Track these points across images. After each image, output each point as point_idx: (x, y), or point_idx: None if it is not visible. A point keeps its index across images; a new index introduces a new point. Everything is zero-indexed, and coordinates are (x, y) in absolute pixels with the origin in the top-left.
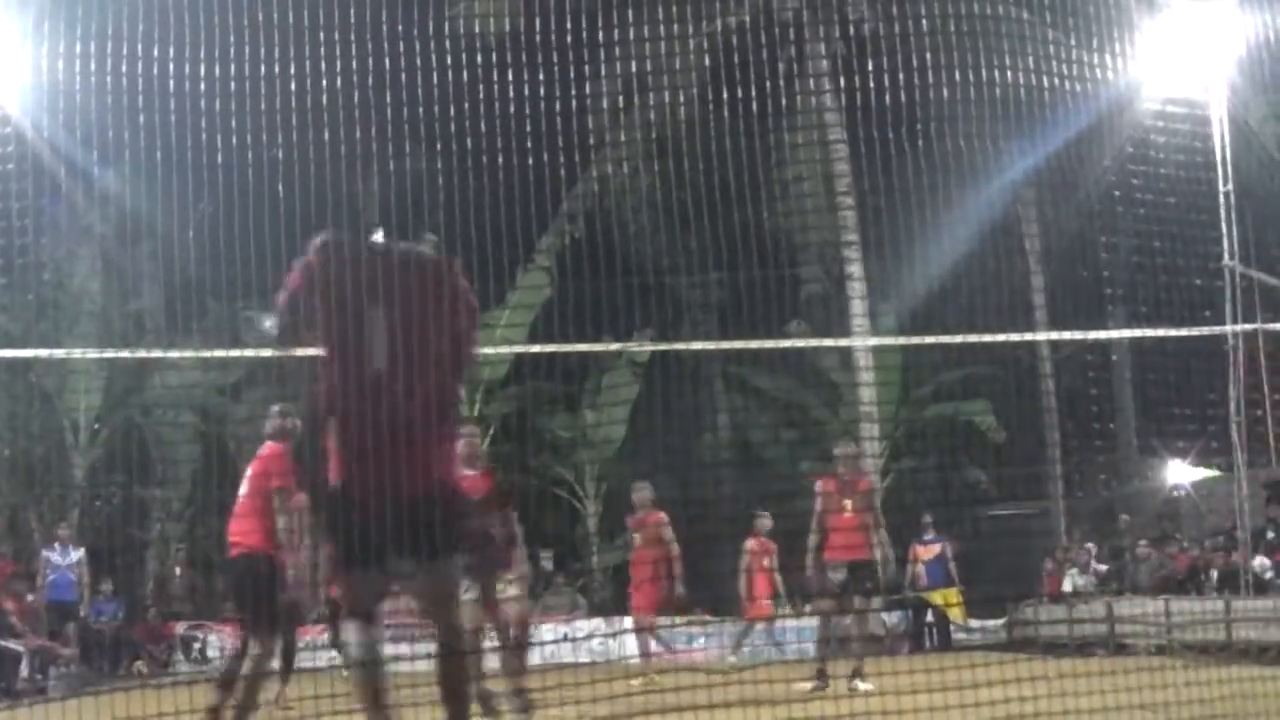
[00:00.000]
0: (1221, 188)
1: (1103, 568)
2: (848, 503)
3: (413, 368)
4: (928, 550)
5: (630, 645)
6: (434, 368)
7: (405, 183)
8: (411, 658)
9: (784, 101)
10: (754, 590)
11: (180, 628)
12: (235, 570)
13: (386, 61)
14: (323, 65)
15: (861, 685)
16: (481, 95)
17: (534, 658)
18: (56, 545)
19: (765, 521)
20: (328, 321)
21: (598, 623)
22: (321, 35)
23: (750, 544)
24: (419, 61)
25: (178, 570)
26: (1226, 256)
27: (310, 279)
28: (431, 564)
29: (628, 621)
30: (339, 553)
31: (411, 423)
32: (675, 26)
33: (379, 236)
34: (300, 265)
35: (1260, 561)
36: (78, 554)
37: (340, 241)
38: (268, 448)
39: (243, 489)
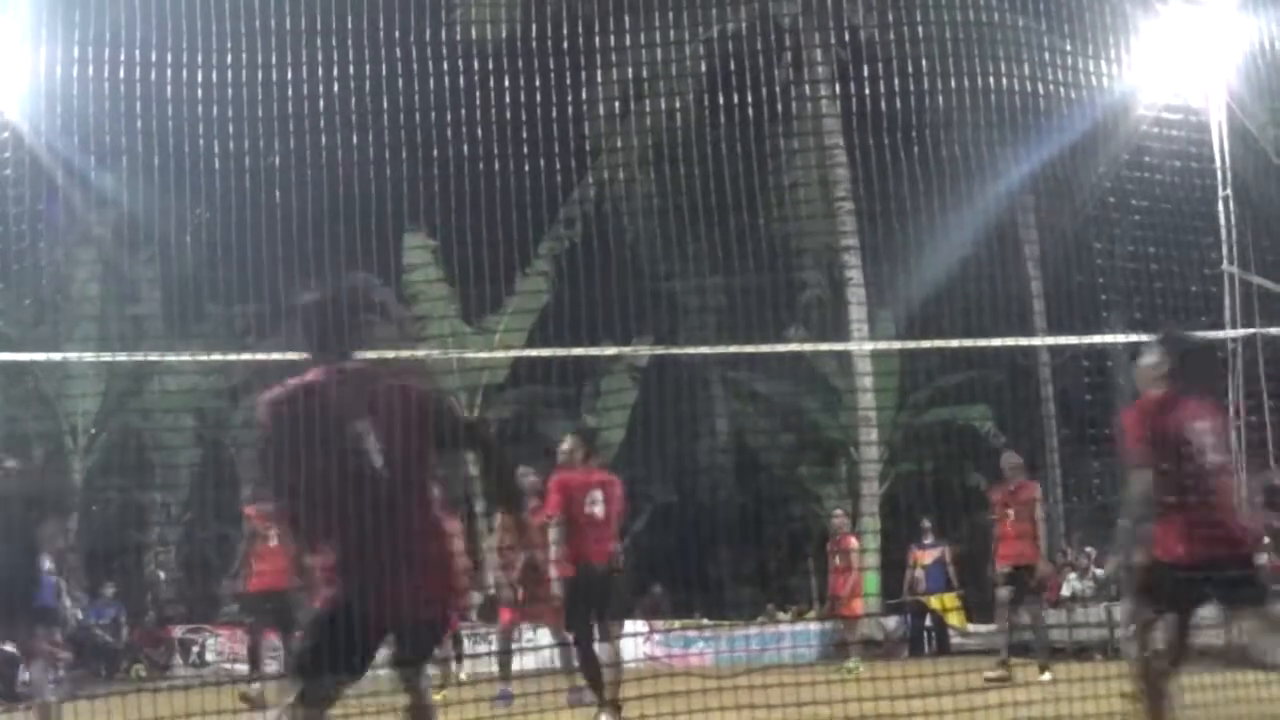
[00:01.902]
0: (1221, 192)
1: (1101, 572)
2: (1010, 511)
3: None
4: (927, 554)
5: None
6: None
7: (403, 188)
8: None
9: (780, 108)
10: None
11: (178, 631)
12: None
13: (384, 68)
14: (320, 71)
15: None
16: (478, 101)
17: (531, 661)
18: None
19: (838, 521)
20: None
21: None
22: (319, 41)
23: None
24: (415, 68)
25: (162, 575)
26: (1225, 261)
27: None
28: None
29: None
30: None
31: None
32: (673, 33)
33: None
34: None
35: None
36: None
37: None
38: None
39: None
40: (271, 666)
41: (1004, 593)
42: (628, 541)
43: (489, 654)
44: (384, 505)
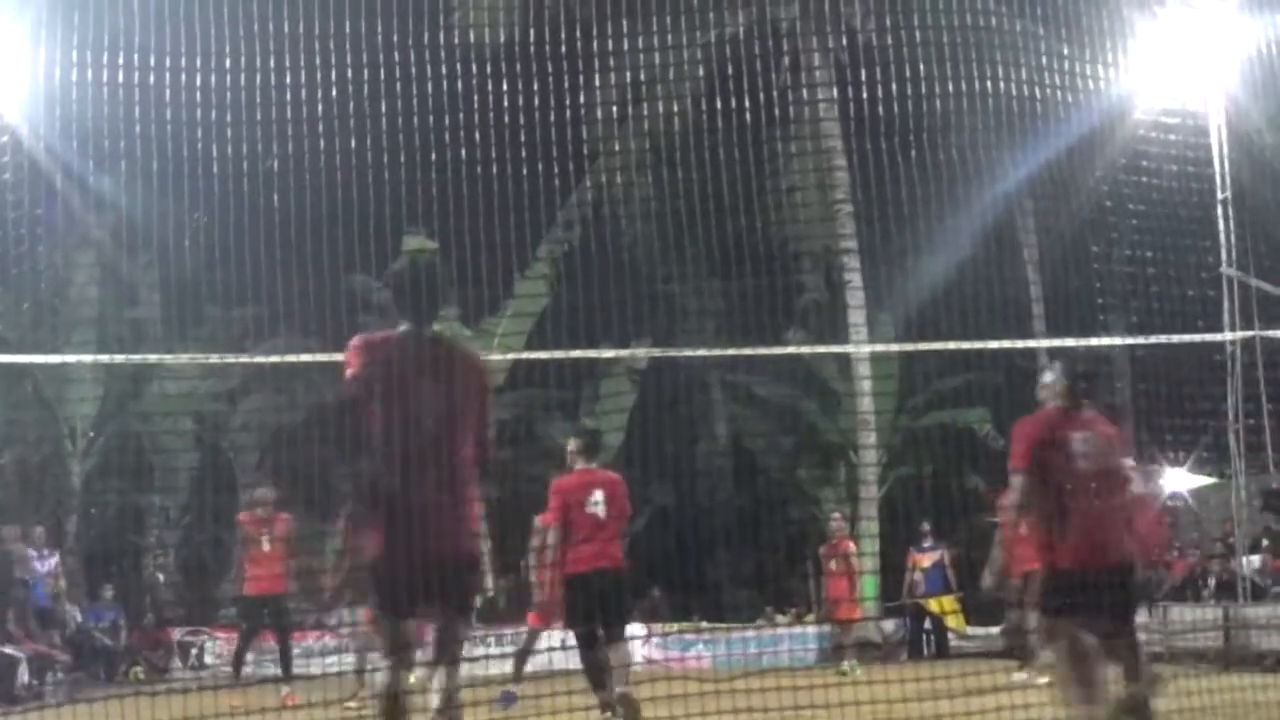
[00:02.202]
0: (1219, 195)
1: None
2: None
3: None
4: (926, 557)
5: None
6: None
7: (402, 191)
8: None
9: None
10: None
11: (177, 634)
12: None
13: (383, 71)
14: (318, 74)
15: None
16: (477, 104)
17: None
18: (33, 551)
19: (835, 524)
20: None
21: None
22: (317, 44)
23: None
24: (414, 71)
25: (161, 577)
26: (1224, 264)
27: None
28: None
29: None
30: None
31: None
32: (671, 36)
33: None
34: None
35: (1250, 561)
36: (54, 559)
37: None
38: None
39: (599, 510)
40: (263, 670)
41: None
42: (627, 544)
43: (500, 655)
44: (429, 455)
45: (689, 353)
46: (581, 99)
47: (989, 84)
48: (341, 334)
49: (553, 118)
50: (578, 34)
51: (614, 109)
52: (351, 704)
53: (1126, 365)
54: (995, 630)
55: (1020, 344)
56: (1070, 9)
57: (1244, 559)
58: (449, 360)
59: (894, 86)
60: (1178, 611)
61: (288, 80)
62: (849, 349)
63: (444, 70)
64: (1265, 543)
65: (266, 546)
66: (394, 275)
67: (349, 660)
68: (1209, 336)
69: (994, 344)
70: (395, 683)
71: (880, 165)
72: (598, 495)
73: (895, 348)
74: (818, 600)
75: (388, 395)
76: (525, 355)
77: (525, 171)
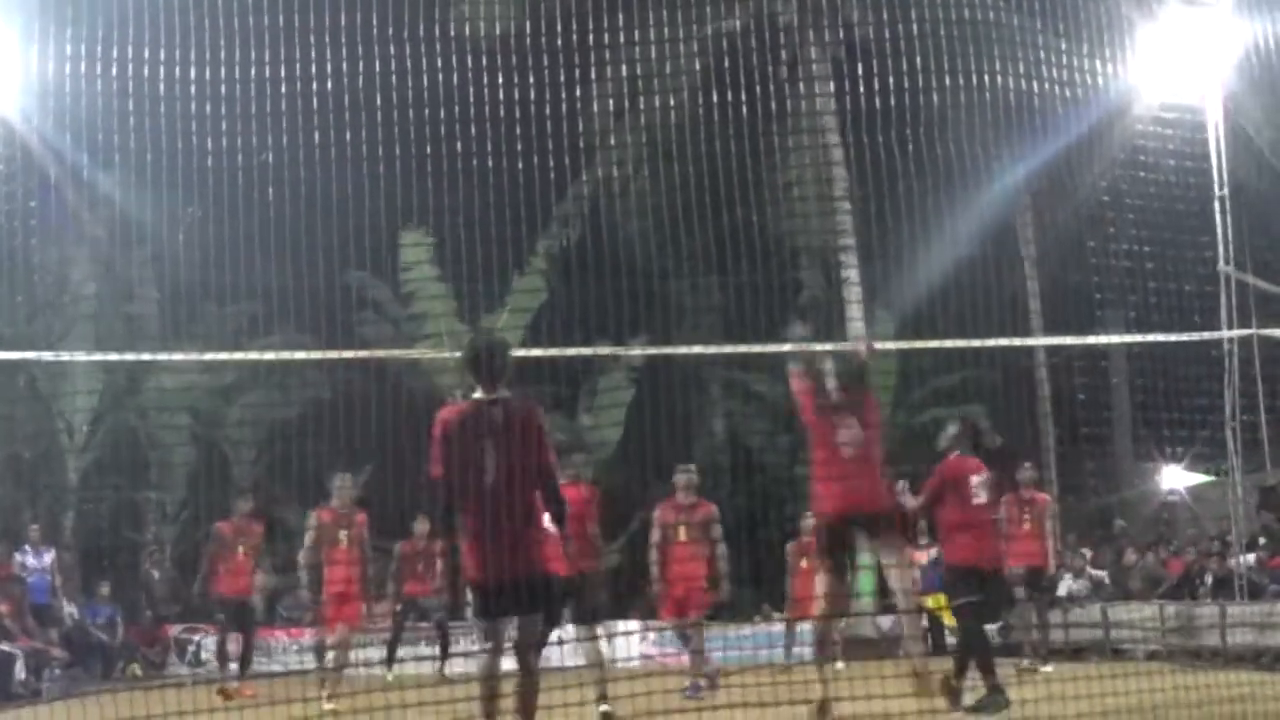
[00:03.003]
0: (1217, 192)
1: (1099, 573)
2: (1027, 517)
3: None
4: (923, 555)
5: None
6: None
7: (399, 186)
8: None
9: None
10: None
11: (174, 630)
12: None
13: (379, 65)
14: (315, 69)
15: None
16: (474, 99)
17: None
18: (29, 548)
19: (806, 522)
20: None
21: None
22: (312, 38)
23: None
24: (411, 65)
25: (157, 574)
26: (1222, 261)
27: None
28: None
29: (619, 625)
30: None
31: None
32: (669, 30)
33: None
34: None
35: (1246, 559)
36: (50, 555)
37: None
38: (577, 485)
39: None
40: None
41: (1020, 591)
42: (623, 541)
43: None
44: (492, 501)
45: (686, 350)
46: (579, 93)
47: (987, 80)
48: (338, 330)
49: (550, 112)
50: (575, 28)
51: (611, 103)
52: (328, 705)
53: (1124, 362)
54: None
55: (1018, 342)
56: (1068, 5)
57: (1240, 557)
58: (510, 418)
59: (892, 82)
60: (1175, 609)
61: (284, 74)
62: (847, 346)
63: (440, 64)
64: (1262, 540)
65: (240, 553)
66: (468, 348)
67: (328, 658)
68: (1206, 334)
69: (992, 341)
70: (491, 667)
71: (878, 161)
72: None
73: (893, 345)
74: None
75: (464, 454)
76: (522, 352)
77: (522, 166)
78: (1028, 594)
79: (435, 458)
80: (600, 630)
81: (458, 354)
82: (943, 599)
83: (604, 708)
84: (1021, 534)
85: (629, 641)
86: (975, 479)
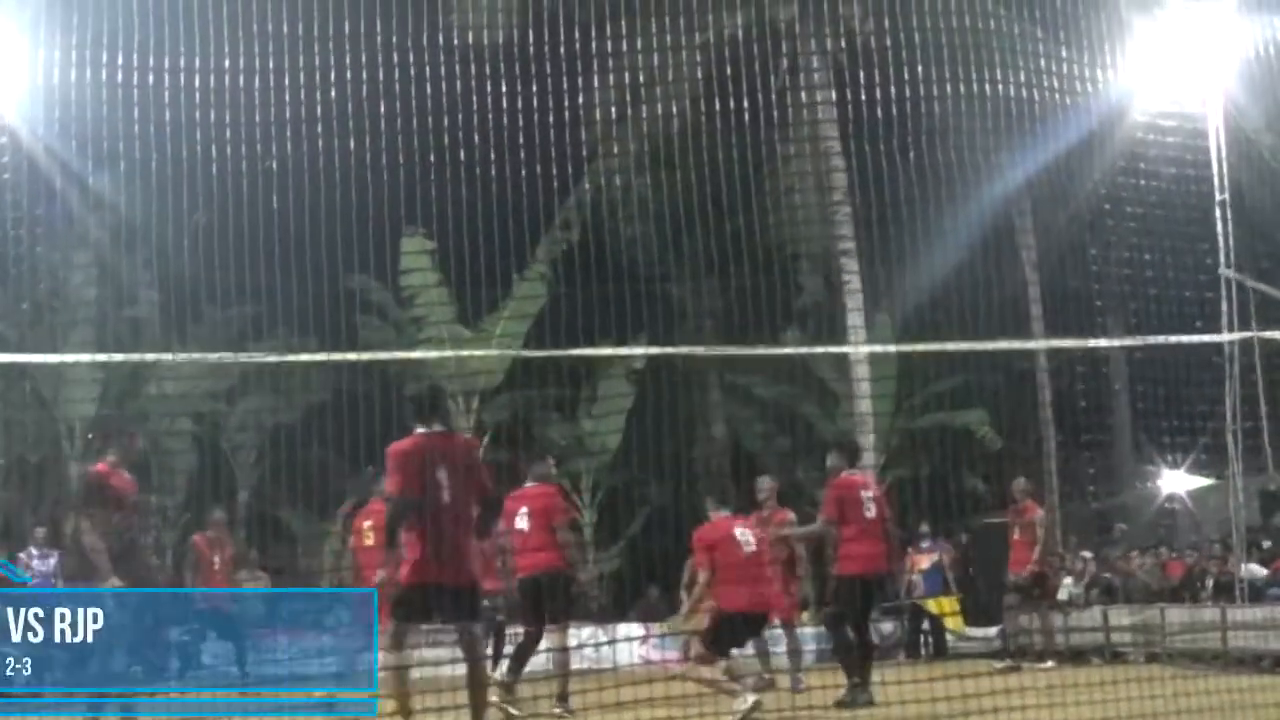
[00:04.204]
0: (1217, 196)
1: (1101, 576)
2: (1017, 527)
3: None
4: (924, 558)
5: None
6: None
7: (400, 191)
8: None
9: (777, 111)
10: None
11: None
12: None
13: (380, 72)
14: (317, 75)
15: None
16: (475, 105)
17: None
18: (34, 550)
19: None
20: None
21: (593, 630)
22: (315, 45)
23: None
24: (413, 72)
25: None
26: (1222, 265)
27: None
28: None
29: (621, 629)
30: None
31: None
32: (669, 37)
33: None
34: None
35: (1253, 568)
36: (54, 558)
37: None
38: (541, 488)
39: (523, 524)
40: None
41: (1011, 598)
42: (623, 544)
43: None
44: (448, 518)
45: (687, 352)
46: (580, 99)
47: (987, 85)
48: (339, 333)
49: (551, 118)
50: (576, 34)
51: (612, 109)
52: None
53: (1124, 366)
54: (993, 631)
55: (1018, 345)
56: (1069, 11)
57: (1242, 561)
58: (456, 449)
59: (892, 88)
60: (1175, 613)
61: (286, 80)
62: (847, 349)
63: (443, 71)
64: (1265, 544)
65: (217, 566)
66: (415, 398)
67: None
68: (1207, 338)
69: (992, 345)
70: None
71: (879, 166)
72: (522, 510)
73: (893, 348)
74: (817, 600)
75: (421, 478)
76: (523, 354)
77: (524, 171)
78: (1020, 600)
79: (393, 479)
80: (572, 629)
81: (458, 354)
82: (944, 603)
83: (558, 709)
84: (1012, 543)
85: (630, 646)
86: (865, 494)
